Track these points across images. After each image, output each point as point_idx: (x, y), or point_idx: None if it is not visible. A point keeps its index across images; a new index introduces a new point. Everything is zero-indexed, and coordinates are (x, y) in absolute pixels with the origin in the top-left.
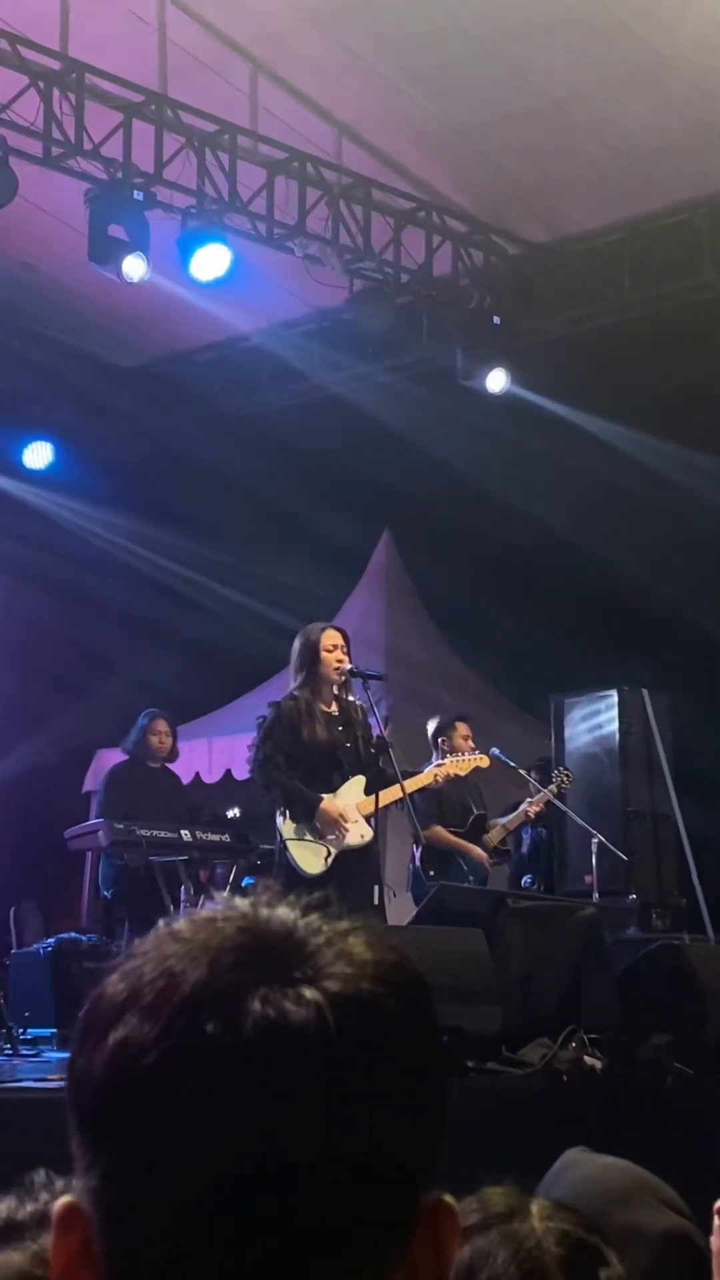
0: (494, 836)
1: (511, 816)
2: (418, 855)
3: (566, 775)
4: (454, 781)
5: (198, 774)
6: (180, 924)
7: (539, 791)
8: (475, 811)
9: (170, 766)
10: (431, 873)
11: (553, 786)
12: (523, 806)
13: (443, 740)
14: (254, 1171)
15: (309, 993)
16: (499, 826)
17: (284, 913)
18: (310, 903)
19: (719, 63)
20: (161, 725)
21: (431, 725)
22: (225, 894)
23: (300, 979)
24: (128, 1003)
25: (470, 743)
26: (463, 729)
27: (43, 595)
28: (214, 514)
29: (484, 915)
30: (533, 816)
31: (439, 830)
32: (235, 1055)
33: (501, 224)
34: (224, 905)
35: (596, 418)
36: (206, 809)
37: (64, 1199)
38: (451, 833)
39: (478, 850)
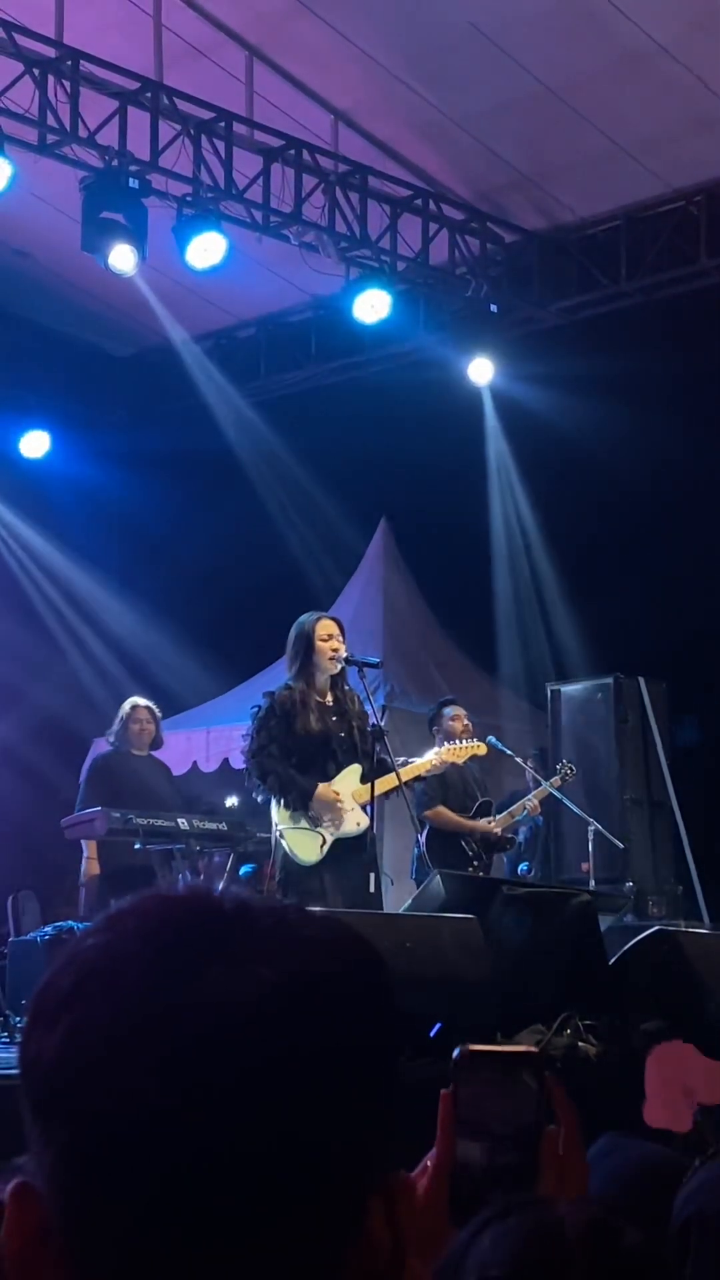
0: (501, 822)
1: (517, 805)
2: (422, 839)
3: (570, 769)
4: (456, 767)
5: (195, 763)
6: (131, 905)
7: (536, 780)
8: (480, 798)
9: (158, 755)
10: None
11: (555, 779)
12: (527, 798)
13: (436, 728)
14: (206, 1146)
15: (261, 969)
16: (506, 814)
17: (235, 894)
18: (260, 887)
19: (715, 50)
20: (141, 713)
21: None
22: (223, 882)
23: (252, 957)
24: (78, 985)
25: (464, 723)
26: (453, 711)
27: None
28: (204, 504)
29: (479, 902)
30: (538, 810)
31: (444, 811)
32: (186, 1033)
33: (498, 212)
34: (176, 886)
35: (590, 406)
36: (204, 798)
37: (17, 1179)
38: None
39: (483, 825)
